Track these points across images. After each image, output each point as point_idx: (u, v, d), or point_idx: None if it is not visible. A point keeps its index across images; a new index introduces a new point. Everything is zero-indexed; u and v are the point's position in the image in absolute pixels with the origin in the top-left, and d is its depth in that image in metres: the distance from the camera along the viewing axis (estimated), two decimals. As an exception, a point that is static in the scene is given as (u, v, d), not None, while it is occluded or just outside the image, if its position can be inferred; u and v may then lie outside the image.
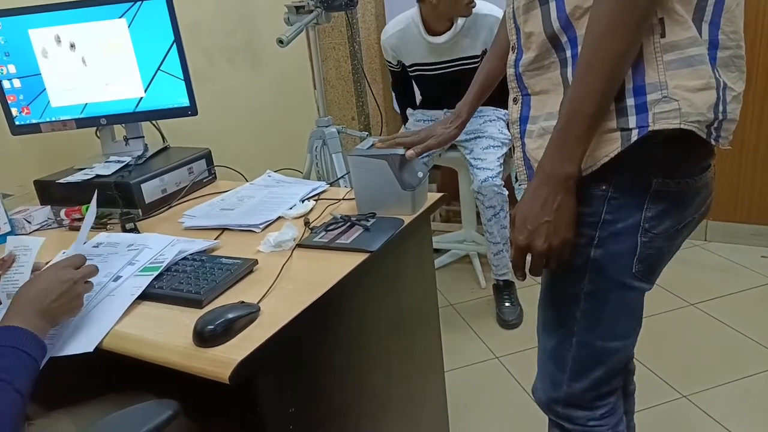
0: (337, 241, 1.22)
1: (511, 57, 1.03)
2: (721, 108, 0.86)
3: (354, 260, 1.15)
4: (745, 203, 2.93)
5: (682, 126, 0.84)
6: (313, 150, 2.38)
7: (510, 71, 1.04)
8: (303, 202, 1.46)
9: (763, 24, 2.65)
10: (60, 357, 0.97)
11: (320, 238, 1.25)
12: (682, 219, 0.96)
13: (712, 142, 0.89)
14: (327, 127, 2.33)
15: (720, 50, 0.86)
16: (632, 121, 0.86)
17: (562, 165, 0.89)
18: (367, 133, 2.77)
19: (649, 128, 0.85)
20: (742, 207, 2.95)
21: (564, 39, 0.92)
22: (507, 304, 2.55)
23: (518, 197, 2.22)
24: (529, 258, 0.96)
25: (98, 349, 0.98)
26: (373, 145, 1.35)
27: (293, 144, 2.64)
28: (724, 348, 2.20)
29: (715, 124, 0.87)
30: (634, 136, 0.86)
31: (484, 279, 2.88)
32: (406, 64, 2.60)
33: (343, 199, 1.49)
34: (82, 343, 0.98)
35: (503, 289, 2.59)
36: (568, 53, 0.92)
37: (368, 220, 1.29)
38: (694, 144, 0.88)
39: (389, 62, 2.68)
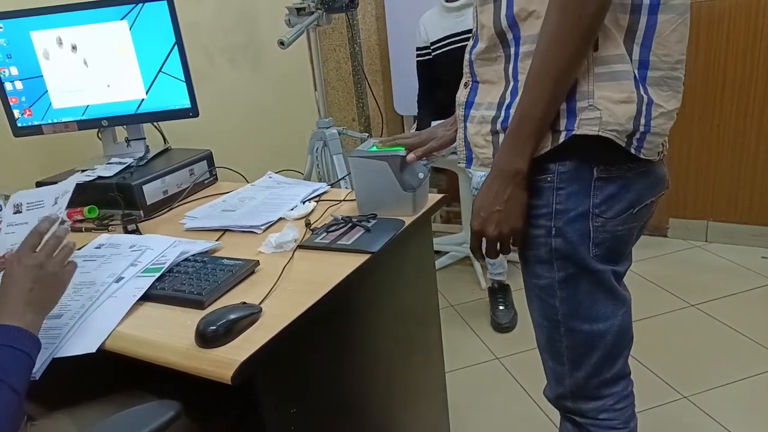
0: (339, 242, 1.22)
1: (470, 43, 1.10)
2: (642, 121, 0.94)
3: (355, 261, 1.15)
4: (746, 204, 2.93)
5: (600, 133, 0.93)
6: (313, 151, 2.38)
7: (466, 57, 1.11)
8: (304, 203, 1.47)
9: (763, 24, 2.65)
10: (62, 357, 0.97)
11: (321, 239, 1.25)
12: (635, 202, 1.00)
13: (632, 152, 0.95)
14: (328, 128, 2.34)
15: (650, 70, 0.94)
16: (563, 123, 0.95)
17: (513, 161, 0.97)
18: (367, 134, 2.77)
19: (573, 132, 0.94)
20: (742, 207, 2.95)
21: (510, 36, 0.99)
22: (501, 308, 2.55)
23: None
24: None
25: (100, 349, 0.98)
26: (374, 146, 1.36)
27: (294, 145, 2.64)
28: (725, 349, 2.21)
29: (637, 135, 0.94)
30: (562, 137, 0.95)
31: (484, 280, 2.88)
32: (431, 40, 2.70)
33: (344, 200, 1.49)
34: (84, 344, 0.98)
35: (498, 292, 2.60)
36: (512, 50, 0.99)
37: (369, 221, 1.30)
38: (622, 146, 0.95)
39: (419, 49, 2.76)
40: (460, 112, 1.12)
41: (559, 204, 0.99)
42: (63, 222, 1.04)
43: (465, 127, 1.11)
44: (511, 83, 1.00)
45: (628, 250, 1.08)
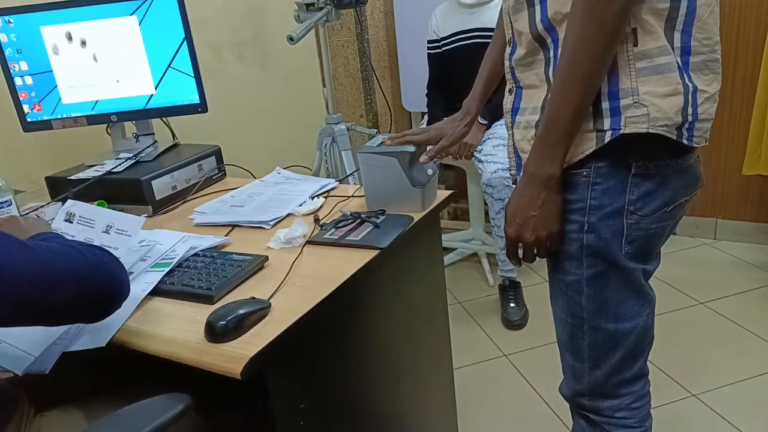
0: (347, 238, 1.22)
1: (507, 50, 1.09)
2: (690, 111, 0.92)
3: (364, 257, 1.15)
4: (755, 201, 2.92)
5: (650, 130, 0.91)
6: (322, 147, 2.38)
7: (506, 63, 1.10)
8: (312, 199, 1.47)
9: (774, 22, 2.63)
10: (72, 352, 0.98)
11: (330, 234, 1.25)
12: (670, 200, 0.99)
13: (684, 142, 0.94)
14: (336, 124, 2.33)
15: (692, 56, 0.92)
16: (606, 123, 0.93)
17: (544, 166, 0.96)
18: (376, 130, 2.77)
19: (621, 131, 0.92)
20: (752, 205, 2.93)
21: (548, 40, 0.98)
22: (512, 305, 2.54)
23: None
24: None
25: (110, 343, 0.98)
26: (382, 142, 1.35)
27: (302, 141, 2.64)
28: (734, 347, 2.20)
29: (686, 125, 0.93)
30: (608, 137, 0.93)
31: (492, 277, 2.88)
32: (441, 35, 2.67)
33: (352, 196, 1.49)
34: (94, 338, 0.99)
35: (508, 290, 2.59)
36: (551, 53, 0.98)
37: (378, 217, 1.30)
38: (669, 140, 0.93)
39: (430, 41, 2.72)
40: (507, 119, 1.11)
41: (593, 199, 0.97)
42: None
43: (512, 134, 1.10)
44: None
45: (659, 248, 1.06)
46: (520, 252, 1.04)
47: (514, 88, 1.09)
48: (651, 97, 0.90)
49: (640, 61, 0.90)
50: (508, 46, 1.09)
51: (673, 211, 1.00)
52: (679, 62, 0.91)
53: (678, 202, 1.00)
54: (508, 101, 1.10)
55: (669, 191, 0.98)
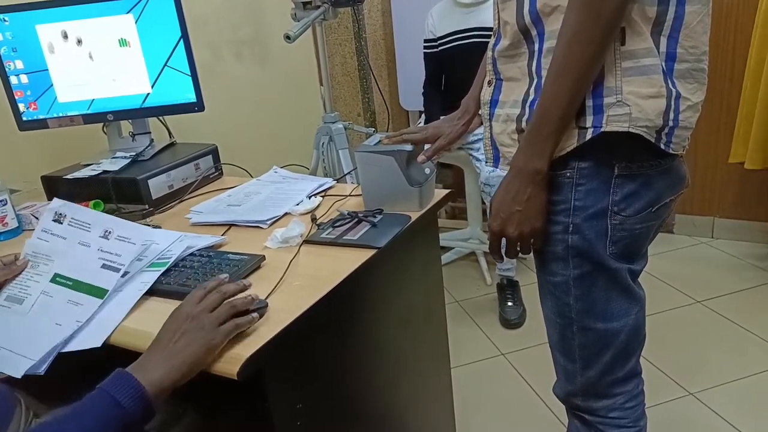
0: (344, 238, 1.22)
1: (492, 41, 1.09)
2: (671, 116, 0.92)
3: (361, 256, 1.15)
4: (753, 200, 2.92)
5: (630, 129, 0.91)
6: (319, 146, 2.38)
7: (488, 54, 1.09)
8: (310, 198, 1.46)
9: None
10: (67, 352, 0.97)
11: (327, 234, 1.25)
12: (654, 201, 0.99)
13: (662, 147, 0.94)
14: (334, 123, 2.33)
15: (677, 63, 0.92)
16: (589, 120, 0.93)
17: (532, 161, 0.96)
18: (373, 129, 2.76)
19: (602, 129, 0.92)
20: (749, 203, 2.93)
21: (534, 32, 0.97)
22: (510, 304, 2.54)
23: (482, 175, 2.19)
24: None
25: (106, 344, 0.98)
26: (380, 141, 1.35)
27: (300, 140, 2.64)
28: (731, 345, 2.20)
29: (666, 130, 0.93)
30: (589, 134, 0.93)
31: (490, 276, 2.87)
32: (438, 34, 2.65)
33: (349, 195, 1.49)
34: (90, 339, 0.98)
35: (506, 289, 2.59)
36: (536, 46, 0.98)
37: (375, 217, 1.29)
38: (650, 141, 0.94)
39: (427, 41, 2.70)
40: (485, 111, 1.11)
41: (577, 200, 0.97)
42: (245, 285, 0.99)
43: (490, 127, 1.09)
44: (535, 80, 0.98)
45: (645, 248, 1.07)
46: (503, 247, 1.04)
47: (494, 80, 1.08)
48: (634, 97, 0.91)
49: (626, 61, 0.90)
50: (493, 36, 1.08)
51: (658, 211, 1.00)
52: (664, 67, 0.91)
53: (663, 202, 1.00)
54: (486, 93, 1.10)
55: (653, 192, 0.98)
